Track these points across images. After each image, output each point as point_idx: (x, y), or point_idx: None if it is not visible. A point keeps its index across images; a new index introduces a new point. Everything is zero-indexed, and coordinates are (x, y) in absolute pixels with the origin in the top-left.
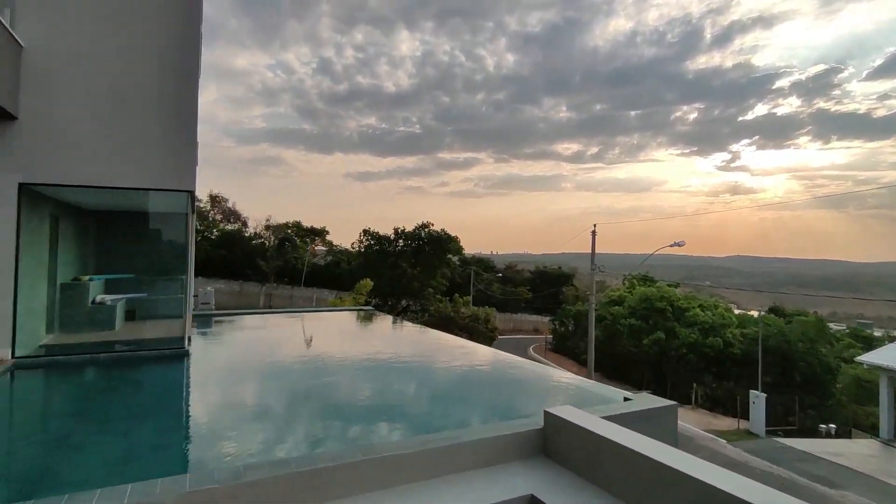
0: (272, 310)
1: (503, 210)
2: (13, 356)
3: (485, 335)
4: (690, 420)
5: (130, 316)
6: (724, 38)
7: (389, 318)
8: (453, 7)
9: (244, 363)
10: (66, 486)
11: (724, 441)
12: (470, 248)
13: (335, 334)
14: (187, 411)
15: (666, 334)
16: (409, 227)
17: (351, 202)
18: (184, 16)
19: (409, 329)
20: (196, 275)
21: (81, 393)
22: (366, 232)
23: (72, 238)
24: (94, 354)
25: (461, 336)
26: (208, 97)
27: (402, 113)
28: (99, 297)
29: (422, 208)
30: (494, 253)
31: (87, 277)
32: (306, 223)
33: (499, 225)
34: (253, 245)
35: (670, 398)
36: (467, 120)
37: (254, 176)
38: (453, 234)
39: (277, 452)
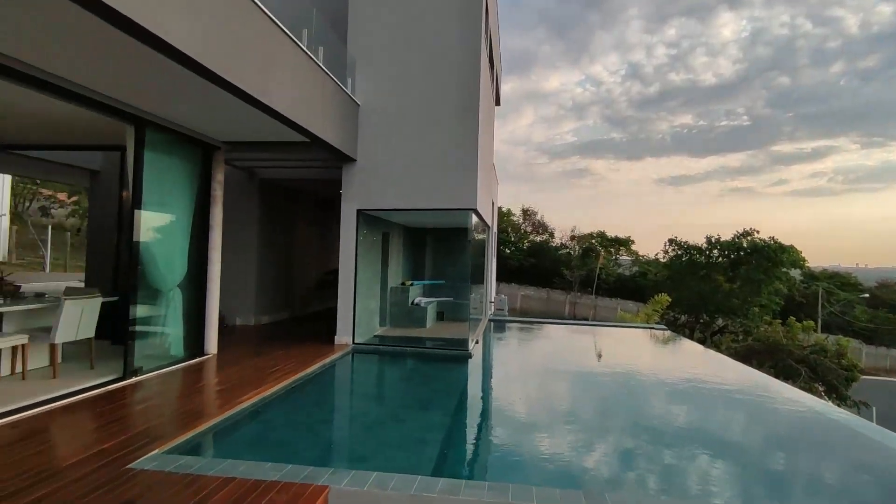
0: (560, 321)
1: (872, 210)
2: (353, 342)
3: (835, 374)
4: None
5: (440, 317)
6: None
7: (685, 340)
8: None
9: (526, 370)
10: (357, 460)
11: None
12: (819, 259)
13: (622, 352)
14: (453, 409)
15: None
16: (727, 235)
17: (662, 209)
18: (470, 63)
19: (705, 356)
20: (509, 281)
21: (390, 377)
22: (671, 241)
23: (397, 250)
24: (404, 347)
25: (800, 368)
26: (525, 121)
27: (724, 106)
28: (416, 299)
29: (749, 212)
30: (859, 266)
31: (409, 282)
32: (612, 232)
33: (865, 230)
34: (559, 255)
35: None
36: (816, 101)
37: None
38: (788, 244)
39: (547, 466)
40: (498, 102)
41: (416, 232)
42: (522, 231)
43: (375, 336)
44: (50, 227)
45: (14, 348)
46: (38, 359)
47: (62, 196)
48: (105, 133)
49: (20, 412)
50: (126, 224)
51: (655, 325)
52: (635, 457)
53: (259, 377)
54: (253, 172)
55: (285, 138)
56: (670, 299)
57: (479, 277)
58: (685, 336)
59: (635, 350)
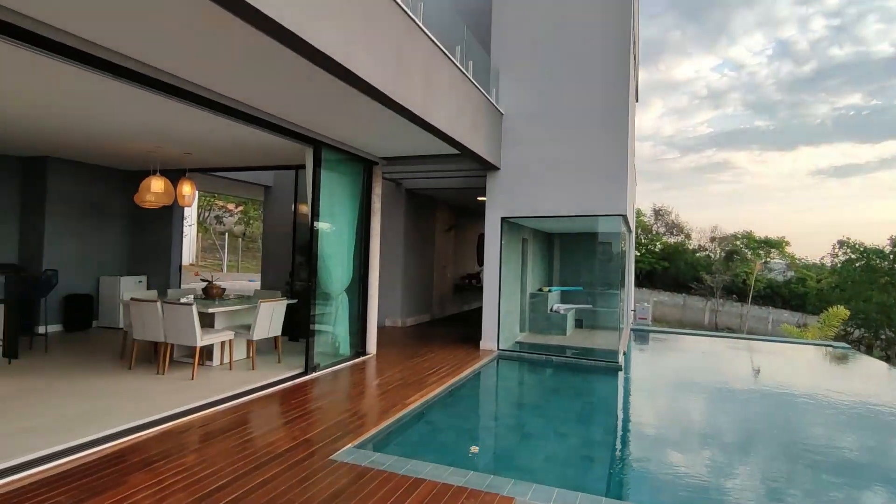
0: (712, 333)
1: None
2: (498, 348)
3: None
4: None
5: (578, 324)
6: None
7: (877, 362)
8: None
9: (680, 386)
10: (527, 471)
11: None
12: None
13: (792, 371)
14: (615, 427)
15: None
16: None
17: (822, 205)
18: (618, 62)
19: None
20: (639, 286)
21: (541, 387)
22: (842, 243)
23: (536, 256)
24: (548, 355)
25: None
26: (653, 114)
27: None
28: (555, 306)
29: None
30: None
31: (546, 288)
32: (760, 233)
33: None
34: (696, 257)
35: None
36: None
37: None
38: None
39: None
40: (637, 98)
41: (551, 237)
42: (654, 232)
43: (517, 342)
44: (226, 234)
45: (222, 343)
46: (237, 352)
47: (230, 206)
48: (279, 155)
49: (236, 398)
50: (307, 235)
51: (835, 343)
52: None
53: (419, 379)
54: (399, 183)
55: (437, 151)
56: (848, 312)
57: (619, 283)
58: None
59: (816, 371)
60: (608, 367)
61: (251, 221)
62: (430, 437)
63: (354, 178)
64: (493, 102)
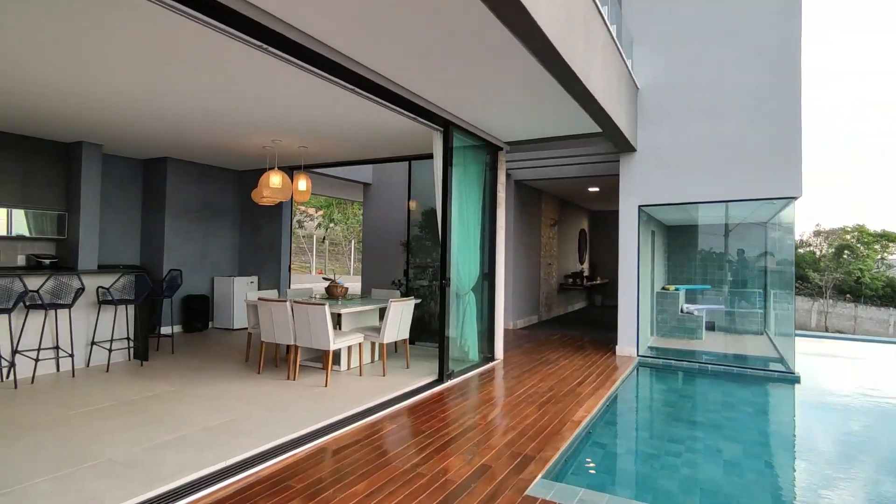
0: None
1: None
2: (638, 354)
3: None
4: None
5: (710, 327)
6: None
7: None
8: None
9: (884, 404)
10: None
11: None
12: None
13: None
14: (842, 454)
15: None
16: None
17: None
18: (782, 19)
19: None
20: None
21: (709, 401)
22: None
23: (660, 251)
24: (702, 363)
25: None
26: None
27: None
28: (686, 307)
29: None
30: None
31: (672, 287)
32: (876, 226)
33: None
34: (799, 254)
35: None
36: None
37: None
38: None
39: None
40: None
41: (676, 230)
42: None
43: (650, 347)
44: (312, 237)
45: (349, 346)
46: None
47: (311, 211)
48: (396, 144)
49: (378, 410)
50: (418, 231)
51: None
52: None
53: (568, 390)
54: (508, 174)
55: (569, 131)
56: None
57: (760, 282)
58: None
59: None
60: (782, 376)
61: (333, 225)
62: (617, 465)
63: (479, 168)
64: (632, 73)
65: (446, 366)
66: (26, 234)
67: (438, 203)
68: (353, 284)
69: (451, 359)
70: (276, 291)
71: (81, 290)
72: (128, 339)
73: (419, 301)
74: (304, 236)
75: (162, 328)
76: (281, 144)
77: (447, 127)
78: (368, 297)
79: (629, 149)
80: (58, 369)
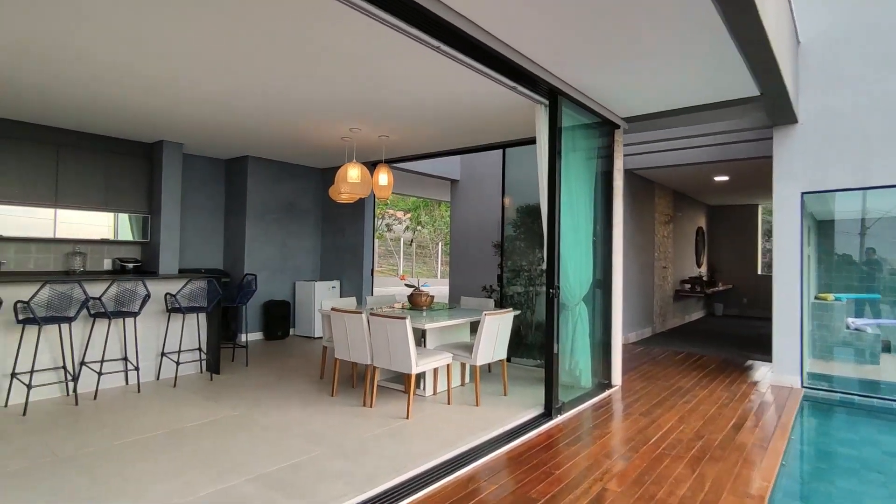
0: None
1: None
2: (803, 384)
3: None
4: None
5: (886, 348)
6: None
7: None
8: None
9: None
10: None
11: None
12: None
13: None
14: None
15: None
16: None
17: None
18: None
19: None
20: None
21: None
22: None
23: (810, 251)
24: (882, 399)
25: None
26: None
27: None
28: (852, 321)
29: None
30: None
31: (831, 296)
32: None
33: None
34: None
35: None
36: None
37: None
38: None
39: None
40: None
41: (827, 226)
42: None
43: (810, 374)
44: (400, 240)
45: (435, 368)
46: (444, 377)
47: (399, 214)
48: (488, 128)
49: (479, 455)
50: (512, 231)
51: None
52: None
53: (727, 440)
54: None
55: (706, 99)
56: None
57: None
58: None
59: None
60: None
61: (420, 227)
62: None
63: (590, 152)
64: (794, 20)
65: (555, 397)
66: (110, 237)
67: (543, 196)
68: (441, 288)
69: (560, 384)
70: (354, 299)
71: (147, 296)
72: (199, 349)
73: (518, 313)
74: (391, 239)
75: (244, 335)
76: (359, 134)
77: (554, 98)
78: (457, 307)
79: (789, 119)
80: (126, 382)
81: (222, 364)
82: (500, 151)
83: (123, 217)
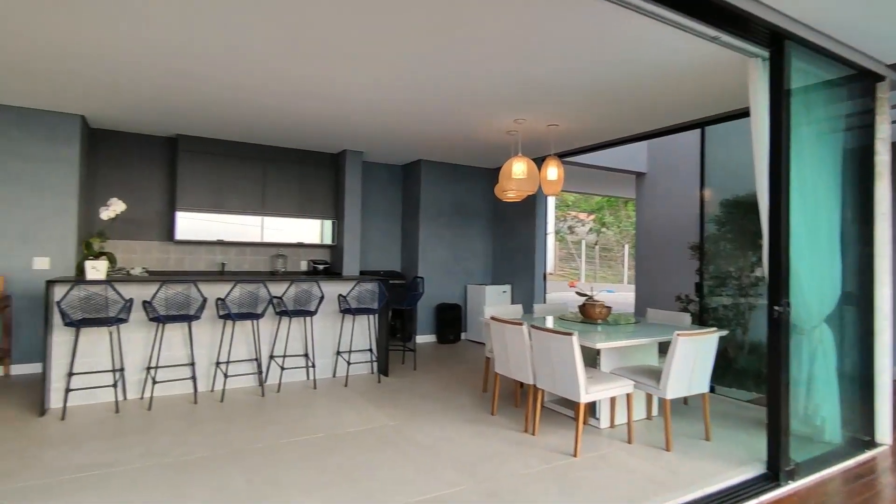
0: None
1: None
2: None
3: None
4: None
5: None
6: None
7: None
8: None
9: None
10: None
11: None
12: None
13: None
14: None
15: None
16: None
17: None
18: None
19: None
20: None
21: None
22: None
23: None
24: None
25: None
26: None
27: None
28: None
29: None
30: None
31: None
32: None
33: None
34: None
35: None
36: None
37: None
38: None
39: None
40: None
41: None
42: None
43: None
44: (583, 242)
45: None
46: (623, 406)
47: (582, 215)
48: (678, 101)
49: None
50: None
51: None
52: None
53: None
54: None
55: None
56: None
57: None
58: None
59: None
60: None
61: (604, 229)
62: None
63: (834, 120)
64: None
65: (783, 454)
66: (305, 241)
67: (761, 185)
68: (626, 295)
69: (791, 435)
70: (520, 307)
71: (322, 297)
72: (370, 350)
73: (724, 333)
74: (573, 242)
75: (417, 337)
76: (526, 126)
77: (779, 45)
78: (643, 321)
79: None
80: (307, 377)
81: (393, 366)
82: (698, 132)
83: (316, 222)
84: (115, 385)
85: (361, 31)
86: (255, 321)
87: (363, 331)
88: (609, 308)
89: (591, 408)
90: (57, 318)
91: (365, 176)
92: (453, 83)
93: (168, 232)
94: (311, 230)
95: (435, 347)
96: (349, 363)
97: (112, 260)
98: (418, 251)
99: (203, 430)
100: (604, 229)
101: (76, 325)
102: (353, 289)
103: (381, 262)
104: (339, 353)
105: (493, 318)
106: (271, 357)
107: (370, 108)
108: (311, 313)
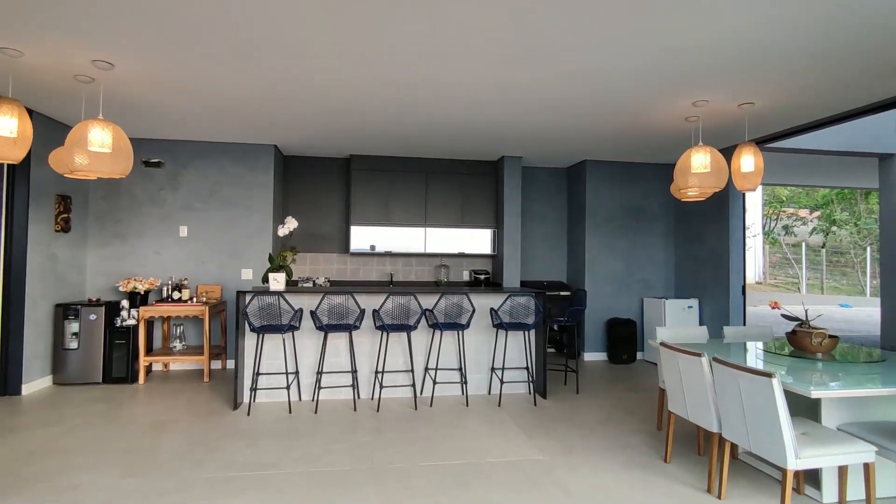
0: None
1: None
2: None
3: None
4: None
5: None
6: None
7: None
8: None
9: None
10: None
11: None
12: None
13: None
14: None
15: None
16: None
17: None
18: None
19: None
20: None
21: None
22: None
23: None
24: None
25: None
26: None
27: None
28: None
29: None
30: None
31: None
32: None
33: None
34: None
35: None
36: None
37: None
38: None
39: None
40: None
41: None
42: None
43: None
44: (803, 245)
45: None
46: (857, 478)
47: (803, 213)
48: None
49: None
50: None
51: None
52: None
53: None
54: None
55: None
56: None
57: None
58: None
59: None
60: None
61: (835, 228)
62: None
63: None
64: None
65: None
66: (466, 251)
67: None
68: (870, 312)
69: None
70: (705, 329)
71: (473, 310)
72: (526, 369)
73: None
74: (791, 245)
75: (585, 355)
76: (709, 108)
77: None
78: (891, 357)
79: None
80: (461, 392)
81: (553, 386)
82: None
83: (477, 232)
84: (288, 387)
85: (520, 30)
86: (408, 333)
87: (518, 347)
88: (835, 338)
89: (810, 473)
90: (246, 324)
91: (526, 182)
92: (620, 63)
93: (345, 244)
94: (472, 240)
95: (605, 367)
96: (502, 381)
97: (289, 273)
98: (584, 260)
99: (354, 439)
100: (834, 228)
101: (257, 331)
102: (504, 302)
103: (545, 272)
104: (493, 369)
105: (662, 345)
106: (426, 370)
107: (526, 109)
108: (463, 327)
